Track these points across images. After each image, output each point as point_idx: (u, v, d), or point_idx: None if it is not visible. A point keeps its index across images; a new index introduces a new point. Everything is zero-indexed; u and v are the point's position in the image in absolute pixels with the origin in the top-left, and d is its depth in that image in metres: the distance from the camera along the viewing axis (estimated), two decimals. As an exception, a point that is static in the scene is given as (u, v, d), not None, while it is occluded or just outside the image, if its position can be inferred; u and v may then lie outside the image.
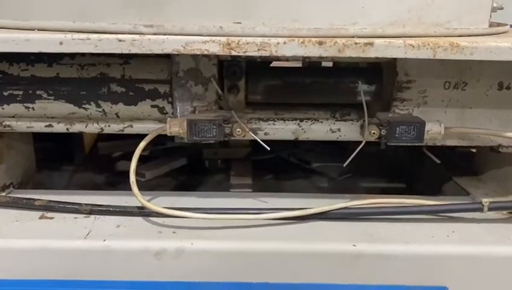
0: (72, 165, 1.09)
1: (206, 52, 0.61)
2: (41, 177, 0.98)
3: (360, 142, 0.73)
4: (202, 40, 0.61)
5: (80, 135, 1.15)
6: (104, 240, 0.66)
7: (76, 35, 0.62)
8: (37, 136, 0.95)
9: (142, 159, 1.07)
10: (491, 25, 0.79)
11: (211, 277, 0.66)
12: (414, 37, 0.65)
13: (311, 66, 0.97)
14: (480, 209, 0.71)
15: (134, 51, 0.61)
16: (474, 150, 1.00)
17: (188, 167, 1.09)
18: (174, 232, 0.69)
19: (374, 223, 0.72)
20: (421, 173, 1.03)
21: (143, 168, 1.03)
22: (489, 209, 0.71)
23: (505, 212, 0.76)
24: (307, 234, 0.69)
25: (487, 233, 0.70)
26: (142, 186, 0.72)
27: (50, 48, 0.62)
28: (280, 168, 1.08)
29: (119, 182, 0.96)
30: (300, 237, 0.68)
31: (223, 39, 0.61)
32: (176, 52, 0.61)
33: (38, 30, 0.65)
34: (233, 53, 0.61)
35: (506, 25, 0.84)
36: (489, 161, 0.90)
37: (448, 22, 0.70)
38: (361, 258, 0.66)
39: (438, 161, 1.01)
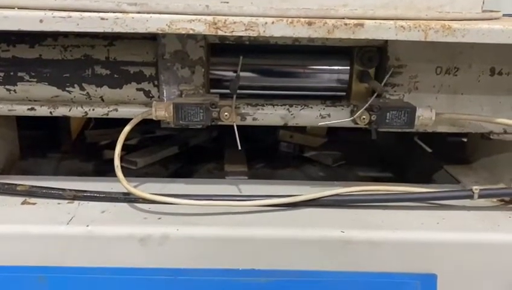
0: (58, 153, 1.07)
1: (191, 32, 0.59)
2: (26, 165, 0.96)
3: (351, 127, 0.72)
4: (187, 19, 0.59)
5: (67, 122, 1.13)
6: (88, 226, 0.65)
7: (57, 13, 0.60)
8: (23, 124, 0.93)
9: (132, 148, 1.06)
10: (484, 11, 0.78)
11: (196, 263, 0.64)
12: (406, 19, 0.64)
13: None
14: (471, 197, 0.71)
15: (117, 29, 0.60)
16: (465, 139, 0.99)
17: (180, 155, 1.07)
18: (159, 218, 0.67)
19: (364, 211, 0.71)
20: (412, 162, 1.03)
21: (134, 155, 1.01)
22: (480, 196, 0.70)
23: (495, 199, 0.75)
24: (296, 221, 0.68)
25: (477, 220, 0.70)
26: (134, 175, 0.70)
27: (30, 26, 0.60)
28: (273, 156, 1.08)
29: (107, 170, 0.94)
30: (288, 224, 0.67)
31: (209, 18, 0.59)
32: (160, 32, 0.60)
33: (18, 8, 0.63)
34: (220, 33, 0.59)
35: (499, 11, 0.83)
36: (480, 149, 0.89)
37: (441, 5, 0.69)
38: (350, 245, 0.65)
39: (429, 150, 1.00)
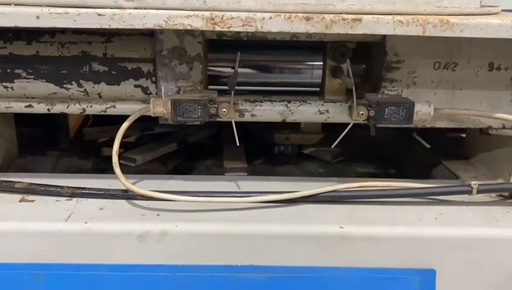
0: (57, 151, 1.06)
1: (189, 27, 0.59)
2: (25, 162, 0.96)
3: (349, 123, 0.71)
4: (185, 15, 0.59)
5: (65, 120, 1.12)
6: (86, 223, 0.64)
7: (53, 9, 0.59)
8: (21, 121, 0.93)
9: (131, 146, 1.06)
10: (482, 6, 0.78)
11: (195, 259, 0.64)
12: (404, 14, 0.64)
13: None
14: (469, 192, 0.70)
15: (114, 25, 0.59)
16: (463, 135, 0.99)
17: (180, 152, 1.07)
18: (158, 215, 0.67)
19: (362, 206, 0.71)
20: (411, 157, 1.02)
21: (133, 153, 1.01)
22: (478, 191, 0.70)
23: (493, 194, 0.75)
24: (294, 217, 0.68)
25: (476, 216, 0.70)
26: (132, 172, 0.70)
27: (26, 22, 0.59)
28: (272, 153, 1.07)
29: (105, 168, 0.94)
30: (287, 220, 0.67)
31: (207, 14, 0.59)
32: (157, 27, 0.59)
33: (15, 5, 0.63)
34: (217, 28, 0.59)
35: (497, 6, 0.83)
36: (479, 144, 0.89)
37: (439, 0, 0.69)
38: (349, 240, 0.65)
39: (428, 146, 1.00)
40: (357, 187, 0.73)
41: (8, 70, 0.72)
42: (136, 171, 0.96)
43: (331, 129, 1.06)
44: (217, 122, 0.72)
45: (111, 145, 0.70)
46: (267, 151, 1.08)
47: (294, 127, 1.08)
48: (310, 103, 0.75)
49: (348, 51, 0.74)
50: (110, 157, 0.70)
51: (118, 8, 0.60)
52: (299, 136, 1.09)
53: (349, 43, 0.74)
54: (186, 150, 1.09)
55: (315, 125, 1.07)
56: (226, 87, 0.71)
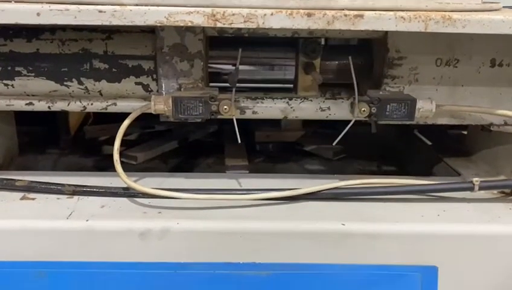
0: (57, 149, 1.06)
1: (190, 24, 0.59)
2: (25, 161, 0.95)
3: (351, 120, 0.71)
4: (186, 11, 0.59)
5: (65, 118, 1.12)
6: (87, 221, 0.64)
7: (54, 6, 0.59)
8: (22, 120, 0.93)
9: (132, 143, 1.06)
10: (484, 2, 0.78)
11: (197, 257, 0.64)
12: (406, 10, 0.63)
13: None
14: (471, 189, 0.70)
15: (115, 22, 0.59)
16: (464, 132, 0.99)
17: (180, 150, 1.07)
18: (159, 213, 0.67)
19: (364, 203, 0.71)
20: (412, 155, 1.02)
21: (134, 150, 1.01)
22: (480, 188, 0.70)
23: (495, 191, 0.75)
24: (296, 214, 0.68)
25: (478, 212, 0.70)
26: (133, 170, 0.70)
27: (27, 19, 0.59)
28: (273, 150, 1.07)
29: (106, 166, 0.93)
30: (289, 217, 0.67)
31: (208, 10, 0.59)
32: (158, 24, 0.59)
33: (15, 2, 0.62)
34: (219, 25, 0.59)
35: (499, 3, 0.82)
36: (480, 141, 0.89)
37: (441, -4, 0.69)
38: (351, 237, 0.65)
39: (429, 143, 1.00)
40: (358, 184, 0.73)
41: (9, 68, 0.72)
42: (137, 169, 0.96)
43: (334, 127, 1.06)
44: (217, 120, 0.72)
45: (112, 143, 0.70)
46: (268, 148, 1.08)
47: (275, 124, 1.07)
48: (311, 100, 0.75)
49: (320, 47, 0.74)
50: (110, 155, 0.70)
51: (118, 5, 0.60)
52: (279, 133, 1.09)
53: (319, 39, 0.74)
54: (187, 148, 1.09)
55: (295, 122, 1.07)
56: (227, 84, 0.71)
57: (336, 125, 0.76)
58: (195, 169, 0.98)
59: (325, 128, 1.10)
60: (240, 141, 0.70)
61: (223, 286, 0.64)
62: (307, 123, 1.11)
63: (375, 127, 0.71)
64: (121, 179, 0.69)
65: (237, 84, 0.68)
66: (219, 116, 0.70)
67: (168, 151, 1.06)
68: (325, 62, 0.77)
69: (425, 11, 0.65)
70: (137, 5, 0.60)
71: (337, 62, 0.79)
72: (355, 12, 0.60)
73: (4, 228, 0.64)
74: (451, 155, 0.91)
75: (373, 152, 1.05)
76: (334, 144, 0.72)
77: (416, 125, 0.97)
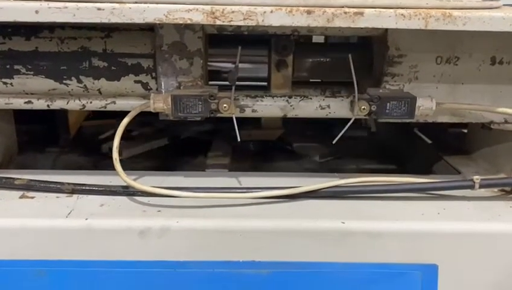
0: (57, 147, 1.06)
1: (189, 22, 0.59)
2: (24, 159, 0.95)
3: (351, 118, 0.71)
4: (185, 9, 0.59)
5: (65, 117, 1.12)
6: (86, 219, 0.64)
7: (53, 4, 0.59)
8: (21, 118, 0.92)
9: (127, 139, 1.05)
10: (484, 0, 0.78)
11: (196, 255, 0.64)
12: (406, 8, 0.63)
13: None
14: (471, 187, 0.70)
15: (114, 20, 0.59)
16: (465, 130, 0.99)
17: (170, 147, 1.06)
18: (159, 211, 0.67)
19: (364, 201, 0.71)
20: (412, 153, 1.02)
21: (121, 145, 1.00)
22: (481, 186, 0.70)
23: (495, 189, 0.75)
24: (296, 212, 0.68)
25: (478, 210, 0.69)
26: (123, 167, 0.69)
27: (25, 17, 0.59)
28: (263, 150, 1.07)
29: (106, 164, 0.93)
30: (289, 215, 0.67)
31: (207, 7, 0.59)
32: (158, 22, 0.59)
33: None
34: (218, 22, 0.59)
35: (499, 1, 0.82)
36: (481, 139, 0.89)
37: (441, -6, 0.69)
38: (351, 236, 0.65)
39: (429, 141, 1.00)
40: (358, 182, 0.73)
41: (7, 66, 0.72)
42: (133, 167, 0.95)
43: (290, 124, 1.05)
44: (210, 118, 0.71)
45: (111, 141, 0.70)
46: (256, 147, 1.07)
47: (256, 123, 1.07)
48: (311, 98, 0.74)
49: (291, 44, 0.74)
50: (110, 154, 0.69)
51: (117, 3, 0.60)
52: (261, 132, 1.08)
53: (292, 36, 0.74)
54: (177, 145, 1.08)
55: (275, 120, 1.07)
56: (226, 83, 0.71)
57: (318, 122, 0.76)
58: (179, 166, 0.97)
59: (307, 125, 1.09)
60: (239, 140, 0.70)
61: (222, 284, 0.64)
62: (286, 121, 1.10)
63: (374, 126, 0.71)
64: (121, 177, 0.69)
65: (236, 83, 0.68)
66: (219, 115, 0.70)
67: (157, 148, 1.05)
68: (325, 60, 0.77)
69: (425, 8, 0.65)
70: (136, 2, 0.60)
71: (336, 60, 0.79)
72: (355, 10, 0.60)
73: (3, 226, 0.64)
74: (451, 153, 0.91)
75: (373, 150, 1.05)
76: (333, 142, 0.72)
77: (416, 124, 0.96)
